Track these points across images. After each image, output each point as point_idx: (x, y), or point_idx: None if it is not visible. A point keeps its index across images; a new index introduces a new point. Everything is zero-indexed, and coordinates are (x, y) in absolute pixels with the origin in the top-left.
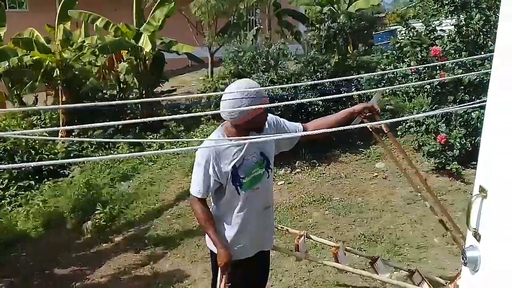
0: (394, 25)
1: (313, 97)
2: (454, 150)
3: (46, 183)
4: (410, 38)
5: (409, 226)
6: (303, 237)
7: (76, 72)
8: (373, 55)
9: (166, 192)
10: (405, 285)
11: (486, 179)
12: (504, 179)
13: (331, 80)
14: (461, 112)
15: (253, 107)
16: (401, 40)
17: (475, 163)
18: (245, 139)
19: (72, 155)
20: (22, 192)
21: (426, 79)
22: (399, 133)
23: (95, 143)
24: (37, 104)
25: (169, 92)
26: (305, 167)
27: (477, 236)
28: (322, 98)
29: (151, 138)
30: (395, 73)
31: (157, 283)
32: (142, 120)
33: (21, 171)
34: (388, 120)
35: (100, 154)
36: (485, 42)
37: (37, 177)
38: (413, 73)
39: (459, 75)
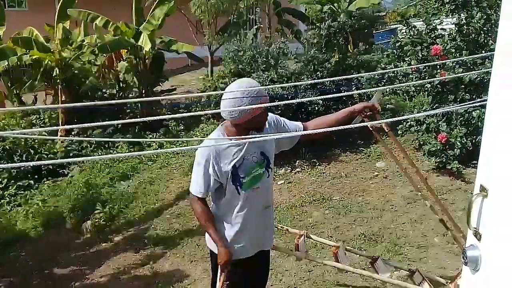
0: (395, 24)
1: (313, 96)
2: (455, 149)
3: (45, 182)
4: (410, 37)
5: (409, 225)
6: (303, 237)
7: (76, 71)
8: (374, 54)
9: (165, 191)
10: (405, 284)
11: (487, 178)
12: (505, 178)
13: (331, 79)
14: (462, 111)
15: (254, 106)
16: (402, 39)
17: (475, 162)
18: (245, 138)
19: (71, 154)
20: (22, 192)
21: (426, 78)
22: (399, 132)
23: (94, 142)
24: (37, 104)
25: (169, 91)
26: (305, 167)
27: (477, 235)
28: (322, 97)
29: (150, 138)
30: (395, 72)
31: (156, 283)
32: (141, 119)
33: (20, 171)
34: (388, 119)
35: (100, 154)
36: (486, 41)
37: (36, 176)
38: (414, 72)
39: (459, 74)
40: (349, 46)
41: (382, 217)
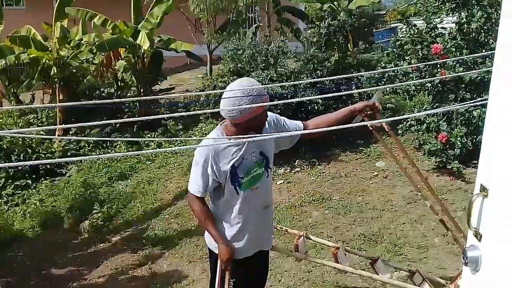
0: (395, 23)
1: (313, 95)
2: (455, 149)
3: (43, 182)
4: (411, 36)
5: (409, 225)
6: (302, 238)
7: (74, 70)
8: (374, 53)
9: (164, 191)
10: (406, 285)
11: (487, 178)
12: (506, 178)
13: (331, 78)
14: (462, 110)
15: (254, 105)
16: (402, 38)
17: (476, 162)
18: (245, 137)
19: (69, 154)
20: (19, 192)
21: (427, 77)
22: (399, 131)
23: (92, 142)
24: (34, 103)
25: (168, 90)
26: (305, 166)
27: (478, 235)
28: (322, 96)
29: (149, 137)
30: (395, 71)
31: (155, 284)
32: (140, 118)
33: (18, 170)
34: (388, 119)
35: (98, 153)
36: (486, 40)
37: (34, 176)
38: (414, 71)
39: (460, 73)
40: (349, 45)
41: (382, 217)
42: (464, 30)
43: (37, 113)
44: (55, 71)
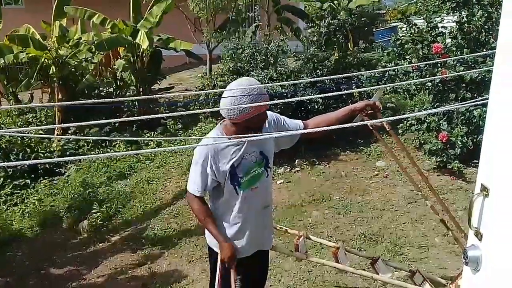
0: (395, 22)
1: (313, 95)
2: (456, 149)
3: (42, 181)
4: (411, 35)
5: (409, 225)
6: (302, 237)
7: (72, 69)
8: (374, 52)
9: (163, 191)
10: (406, 285)
11: (488, 178)
12: (506, 177)
13: (331, 77)
14: (463, 110)
15: (254, 104)
16: (402, 37)
17: (476, 161)
18: (244, 137)
19: (68, 153)
20: (18, 191)
21: (427, 76)
22: (400, 131)
23: (91, 141)
24: (33, 102)
25: (167, 89)
26: (305, 166)
27: (478, 235)
28: (322, 95)
29: (148, 136)
30: (396, 70)
31: (154, 283)
32: (139, 117)
33: (16, 170)
34: (389, 118)
35: (97, 153)
36: (487, 39)
37: (32, 175)
38: (414, 71)
39: (460, 73)
40: (349, 44)
41: (382, 217)
42: (465, 29)
43: (36, 112)
44: (54, 70)
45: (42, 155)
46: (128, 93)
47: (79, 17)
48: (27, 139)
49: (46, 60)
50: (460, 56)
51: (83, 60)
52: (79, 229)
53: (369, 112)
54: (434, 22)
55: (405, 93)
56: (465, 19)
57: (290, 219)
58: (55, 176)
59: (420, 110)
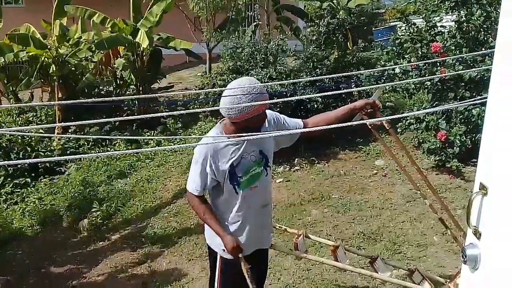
0: (394, 21)
1: (312, 94)
2: (454, 148)
3: (42, 180)
4: (410, 34)
5: (408, 224)
6: (301, 236)
7: (73, 68)
8: (373, 51)
9: (163, 189)
10: (405, 283)
11: (487, 177)
12: (505, 176)
13: (330, 76)
14: (462, 109)
15: (254, 103)
16: (401, 36)
17: (475, 160)
18: (244, 136)
19: (68, 152)
20: (18, 190)
21: (426, 75)
22: (399, 130)
23: (91, 140)
24: (33, 101)
25: (167, 88)
26: (304, 165)
27: (477, 233)
28: (321, 94)
29: (148, 135)
30: (395, 69)
31: (154, 282)
32: (139, 116)
33: (17, 169)
34: (388, 117)
35: (97, 151)
36: (486, 38)
37: (33, 174)
38: (414, 70)
39: (459, 72)
40: (348, 43)
41: (381, 216)
42: (464, 29)
43: (36, 111)
44: (54, 69)
45: (42, 154)
46: (128, 92)
47: (79, 16)
48: (27, 138)
49: (46, 59)
50: (459, 55)
51: (83, 59)
52: (79, 227)
53: (368, 111)
54: (433, 21)
55: (404, 92)
56: (464, 18)
57: (290, 217)
58: (56, 175)
59: (419, 109)
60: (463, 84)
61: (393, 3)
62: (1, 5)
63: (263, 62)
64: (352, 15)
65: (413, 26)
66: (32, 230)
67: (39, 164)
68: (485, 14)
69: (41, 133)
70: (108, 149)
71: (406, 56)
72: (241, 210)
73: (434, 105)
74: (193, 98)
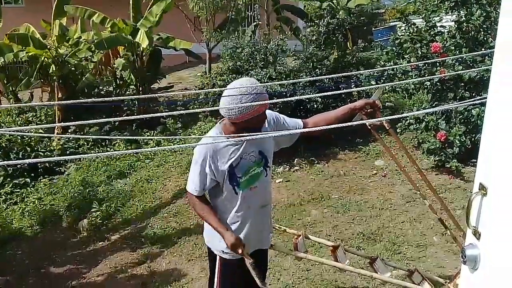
0: (394, 21)
1: (312, 94)
2: (454, 148)
3: (41, 180)
4: (410, 34)
5: (408, 224)
6: (301, 236)
7: (72, 68)
8: (373, 51)
9: (163, 190)
10: (405, 284)
11: (486, 177)
12: (505, 176)
13: (330, 76)
14: (461, 109)
15: (254, 103)
16: (401, 36)
17: (475, 160)
18: (243, 136)
19: (68, 152)
20: (18, 190)
21: (426, 75)
22: (398, 130)
23: (91, 140)
24: (33, 101)
25: (167, 88)
26: (304, 165)
27: (476, 234)
28: (321, 94)
29: (148, 135)
30: (395, 69)
31: (153, 282)
32: (139, 116)
33: (16, 169)
34: (388, 117)
35: (96, 151)
36: (485, 38)
37: (32, 174)
38: (413, 70)
39: (459, 72)
40: (348, 43)
41: (381, 216)
42: (463, 29)
43: (35, 111)
44: (54, 69)
45: (42, 154)
46: (127, 92)
47: (79, 16)
48: (27, 138)
49: (46, 59)
50: (459, 56)
51: (83, 59)
52: (78, 228)
53: (368, 111)
54: (433, 22)
55: (404, 92)
56: (464, 18)
57: (289, 218)
58: (55, 175)
59: (419, 109)
60: (462, 84)
61: (393, 3)
62: (1, 5)
63: (263, 62)
64: (352, 15)
65: (412, 26)
66: (32, 230)
67: (39, 164)
68: (484, 14)
69: (40, 133)
70: (108, 149)
71: (405, 56)
72: (240, 210)
73: (433, 105)
74: (193, 98)
